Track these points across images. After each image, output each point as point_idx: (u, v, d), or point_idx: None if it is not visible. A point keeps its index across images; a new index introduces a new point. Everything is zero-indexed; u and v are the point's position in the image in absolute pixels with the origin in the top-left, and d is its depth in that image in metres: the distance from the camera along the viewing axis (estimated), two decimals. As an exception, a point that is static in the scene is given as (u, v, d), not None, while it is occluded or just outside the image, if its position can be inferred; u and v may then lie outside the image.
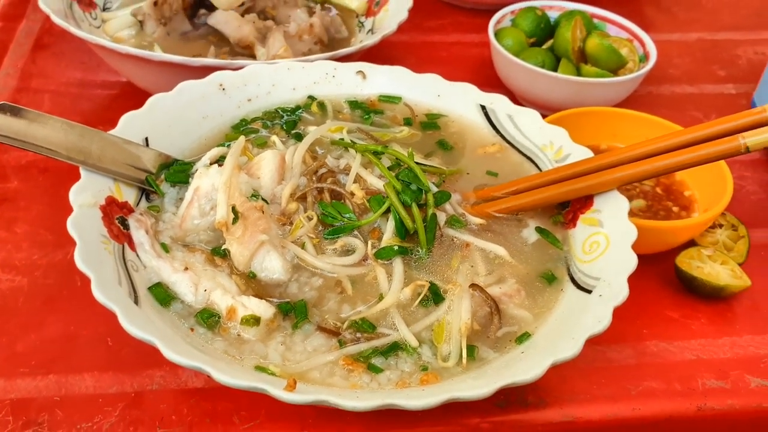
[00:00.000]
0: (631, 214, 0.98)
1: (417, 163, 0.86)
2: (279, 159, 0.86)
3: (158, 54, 1.03)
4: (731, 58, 1.43)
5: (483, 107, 0.97)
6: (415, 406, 0.62)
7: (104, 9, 1.23)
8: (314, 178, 0.86)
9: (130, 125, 0.86)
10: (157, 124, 0.89)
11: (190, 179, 0.85)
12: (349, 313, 0.76)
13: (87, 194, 0.77)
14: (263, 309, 0.73)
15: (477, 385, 0.64)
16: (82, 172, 0.80)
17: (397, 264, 0.79)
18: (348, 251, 0.81)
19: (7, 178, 1.02)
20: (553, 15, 1.29)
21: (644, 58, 1.22)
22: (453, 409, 0.78)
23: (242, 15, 1.19)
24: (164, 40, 1.18)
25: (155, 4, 1.16)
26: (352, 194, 0.83)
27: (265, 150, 0.89)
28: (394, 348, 0.72)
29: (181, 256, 0.79)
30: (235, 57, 1.17)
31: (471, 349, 0.72)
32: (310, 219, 0.82)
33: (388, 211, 0.81)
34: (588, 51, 1.19)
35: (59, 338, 0.83)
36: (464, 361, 0.71)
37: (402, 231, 0.81)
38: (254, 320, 0.72)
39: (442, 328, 0.74)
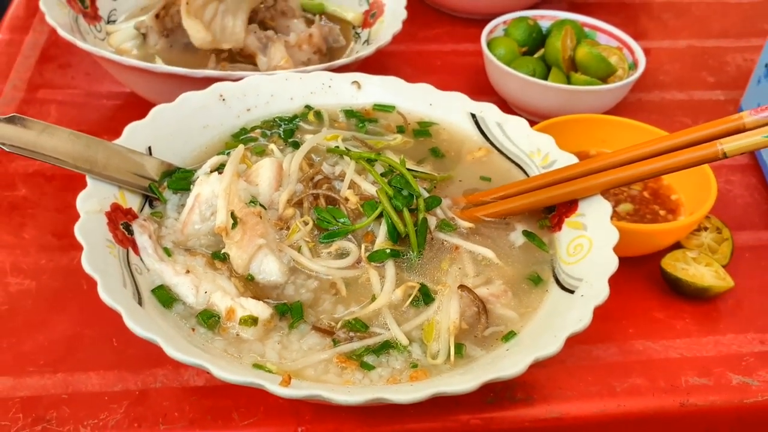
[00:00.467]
0: (619, 217, 1.02)
1: (409, 169, 0.88)
2: (276, 166, 0.89)
3: (160, 66, 1.05)
4: (720, 64, 1.45)
5: (473, 115, 1.00)
6: (403, 399, 0.65)
7: (109, 21, 1.26)
8: (310, 185, 0.88)
9: (133, 135, 0.89)
10: (160, 133, 0.91)
11: (192, 186, 0.87)
12: (343, 314, 0.78)
13: (93, 201, 0.80)
14: (261, 310, 0.76)
15: (463, 380, 0.67)
16: (88, 180, 0.82)
17: (389, 266, 0.82)
18: (342, 254, 0.83)
19: (15, 186, 1.05)
20: (544, 24, 1.32)
21: (633, 65, 1.25)
22: (444, 405, 0.81)
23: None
24: (166, 52, 1.21)
25: (157, 16, 1.19)
26: (347, 200, 0.86)
27: (264, 158, 0.91)
28: (386, 346, 0.75)
29: (183, 260, 0.81)
30: (235, 62, 1.20)
31: (459, 347, 0.75)
32: (306, 224, 0.84)
33: (381, 215, 0.84)
34: (578, 60, 1.23)
35: (66, 338, 0.85)
36: (452, 358, 0.74)
37: (394, 235, 0.83)
38: (252, 320, 0.75)
39: (431, 328, 0.76)
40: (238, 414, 0.79)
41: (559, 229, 0.87)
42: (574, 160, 0.90)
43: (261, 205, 0.85)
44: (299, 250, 0.83)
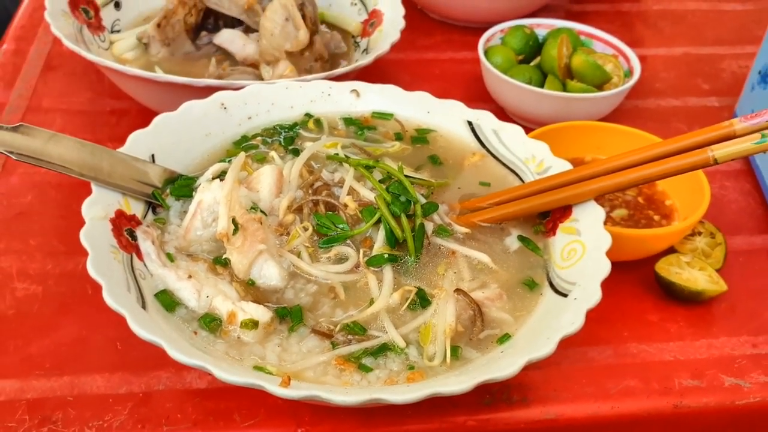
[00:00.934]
0: (614, 222, 1.04)
1: (406, 176, 0.90)
2: (277, 173, 0.91)
3: (162, 75, 1.07)
4: (715, 71, 1.47)
5: (470, 123, 1.02)
6: (399, 400, 0.66)
7: (113, 31, 1.28)
8: (310, 191, 0.90)
9: (137, 143, 0.90)
10: (163, 141, 0.93)
11: (194, 193, 0.88)
12: (341, 317, 0.80)
13: (98, 208, 0.82)
14: (261, 313, 0.77)
15: (458, 381, 0.69)
16: (93, 187, 0.84)
17: (387, 271, 0.83)
18: (341, 259, 0.85)
19: (21, 193, 1.07)
20: (541, 33, 1.34)
21: (629, 73, 1.27)
22: (442, 406, 0.82)
23: (246, 34, 1.24)
24: (168, 61, 1.23)
25: (159, 26, 1.21)
26: (346, 206, 0.87)
27: (264, 165, 0.93)
28: (383, 349, 0.77)
29: (185, 265, 0.83)
30: (236, 66, 1.21)
31: (455, 350, 0.77)
32: (305, 229, 0.86)
33: (379, 221, 0.85)
34: (573, 67, 1.24)
35: (72, 342, 0.87)
36: (448, 360, 0.75)
37: (392, 240, 0.85)
38: (253, 324, 0.76)
39: (428, 330, 0.78)
40: (239, 415, 0.81)
41: (554, 234, 0.89)
42: (568, 166, 0.92)
43: (261, 211, 0.86)
44: (299, 255, 0.84)
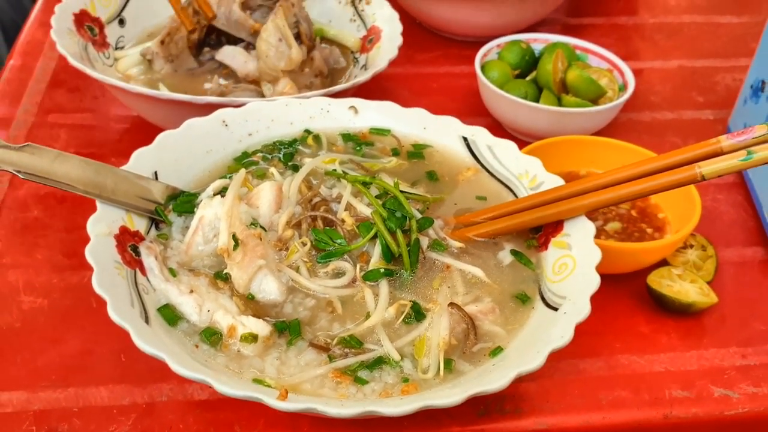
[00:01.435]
0: (608, 235, 1.06)
1: (402, 191, 0.92)
2: (276, 189, 0.93)
3: (165, 93, 1.10)
4: (710, 84, 1.48)
5: (465, 138, 1.04)
6: (392, 412, 0.68)
7: (117, 48, 1.30)
8: (309, 207, 0.92)
9: (140, 160, 0.93)
10: (165, 158, 0.95)
11: (195, 209, 0.90)
12: (338, 331, 0.82)
13: (102, 224, 0.84)
14: (261, 327, 0.79)
15: (451, 393, 0.71)
16: (98, 204, 0.86)
17: (383, 285, 0.85)
18: (339, 274, 0.87)
19: (28, 208, 1.09)
20: (537, 47, 1.36)
21: (623, 87, 1.29)
22: (437, 418, 0.84)
23: (248, 51, 1.26)
24: (172, 77, 1.25)
25: (162, 43, 1.24)
26: (343, 221, 0.90)
27: (264, 181, 0.95)
28: (379, 362, 0.78)
29: (187, 280, 0.85)
30: (238, 84, 1.23)
31: (448, 362, 0.79)
32: (304, 245, 0.88)
33: (375, 236, 0.87)
34: (568, 82, 1.27)
35: (77, 354, 0.89)
36: (441, 373, 0.77)
37: (388, 255, 0.87)
38: (252, 338, 0.79)
39: (422, 344, 0.80)
40: (239, 426, 0.83)
41: (546, 248, 0.91)
42: (560, 182, 0.94)
43: (261, 227, 0.89)
44: (297, 269, 0.86)
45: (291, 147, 1.04)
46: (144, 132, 1.12)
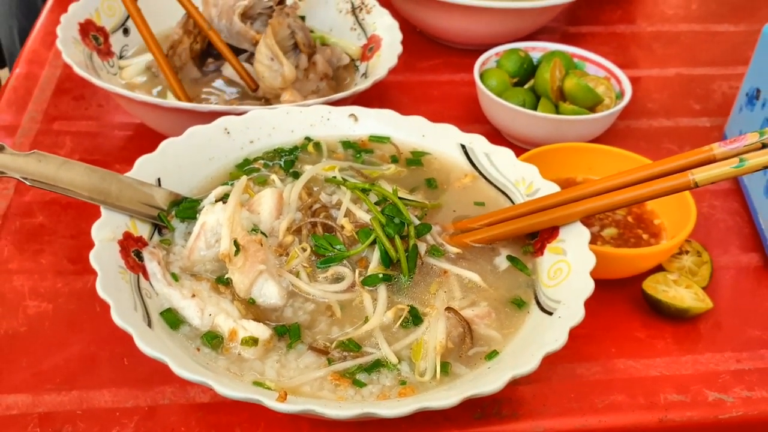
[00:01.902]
0: (604, 241, 1.07)
1: (401, 198, 0.93)
2: (277, 196, 0.94)
3: (169, 101, 1.12)
4: (707, 92, 1.50)
5: (463, 146, 1.06)
6: (389, 414, 0.70)
7: (121, 57, 1.33)
8: (309, 213, 0.94)
9: (144, 167, 0.94)
10: (169, 165, 0.97)
11: (198, 215, 0.92)
12: (337, 335, 0.83)
13: (106, 230, 0.85)
14: (261, 331, 0.81)
15: (447, 396, 0.72)
16: (103, 210, 0.87)
17: (382, 290, 0.87)
18: (338, 279, 0.88)
19: (33, 214, 1.11)
20: (535, 56, 1.38)
21: (620, 95, 1.30)
22: (435, 420, 0.85)
23: (251, 63, 1.28)
24: (176, 86, 1.27)
25: (166, 56, 1.26)
26: (343, 227, 0.91)
27: (265, 188, 0.97)
28: (377, 365, 0.80)
29: (189, 285, 0.86)
30: (238, 89, 1.25)
31: (445, 366, 0.80)
32: (304, 250, 0.90)
33: (374, 242, 0.89)
34: (566, 90, 1.28)
35: (81, 358, 0.90)
36: (438, 375, 0.79)
37: (386, 260, 0.88)
38: (253, 341, 0.80)
39: (419, 347, 0.81)
40: (240, 429, 0.84)
41: (542, 254, 0.92)
42: (556, 188, 0.96)
43: (262, 232, 0.90)
44: (297, 275, 0.88)
45: (292, 154, 1.06)
46: (147, 139, 1.14)
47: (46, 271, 1.02)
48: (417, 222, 0.93)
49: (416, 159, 1.06)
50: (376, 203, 0.93)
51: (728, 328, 1.00)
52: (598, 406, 0.89)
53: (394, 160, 1.06)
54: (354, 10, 1.40)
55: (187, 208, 0.94)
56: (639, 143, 1.34)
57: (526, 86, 1.33)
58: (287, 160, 1.04)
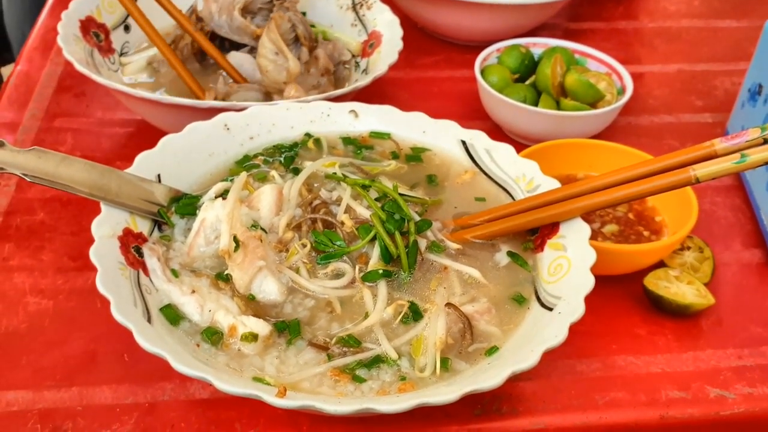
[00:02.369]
0: (605, 237, 1.07)
1: (401, 194, 0.93)
2: (277, 192, 0.94)
3: (169, 97, 1.11)
4: (708, 88, 1.49)
5: (464, 142, 1.05)
6: (388, 410, 0.69)
7: (122, 53, 1.33)
8: (309, 209, 0.93)
9: (144, 163, 0.94)
10: (168, 162, 0.97)
11: (197, 211, 0.92)
12: (337, 331, 0.83)
13: (106, 227, 0.86)
14: (261, 327, 0.81)
15: (447, 391, 0.72)
16: (103, 207, 0.87)
17: (382, 286, 0.87)
18: (338, 275, 0.88)
19: (33, 211, 1.11)
20: (536, 52, 1.37)
21: (621, 91, 1.30)
22: (435, 416, 0.85)
23: (253, 56, 1.28)
24: (177, 82, 1.27)
25: (169, 50, 1.26)
26: (343, 224, 0.91)
27: (265, 184, 0.97)
28: (377, 361, 0.80)
29: (189, 281, 0.86)
30: (242, 83, 1.25)
31: (444, 361, 0.80)
32: (304, 246, 0.90)
33: (374, 238, 0.89)
34: (567, 86, 1.28)
35: (81, 354, 0.90)
36: (437, 371, 0.79)
37: (386, 256, 0.88)
38: (253, 337, 0.80)
39: (419, 343, 0.81)
40: (240, 424, 0.84)
41: (542, 250, 0.92)
42: (557, 184, 0.95)
43: (262, 229, 0.90)
44: (297, 271, 0.88)
45: (292, 150, 1.05)
46: (148, 136, 1.14)
47: (46, 268, 1.02)
48: (417, 218, 0.93)
49: (417, 155, 1.06)
50: (377, 199, 0.93)
51: (730, 325, 1.00)
52: (599, 402, 0.89)
53: (395, 156, 1.06)
54: (354, 6, 1.40)
55: (186, 204, 0.94)
56: (641, 139, 1.34)
57: (527, 82, 1.33)
58: (287, 156, 1.04)
